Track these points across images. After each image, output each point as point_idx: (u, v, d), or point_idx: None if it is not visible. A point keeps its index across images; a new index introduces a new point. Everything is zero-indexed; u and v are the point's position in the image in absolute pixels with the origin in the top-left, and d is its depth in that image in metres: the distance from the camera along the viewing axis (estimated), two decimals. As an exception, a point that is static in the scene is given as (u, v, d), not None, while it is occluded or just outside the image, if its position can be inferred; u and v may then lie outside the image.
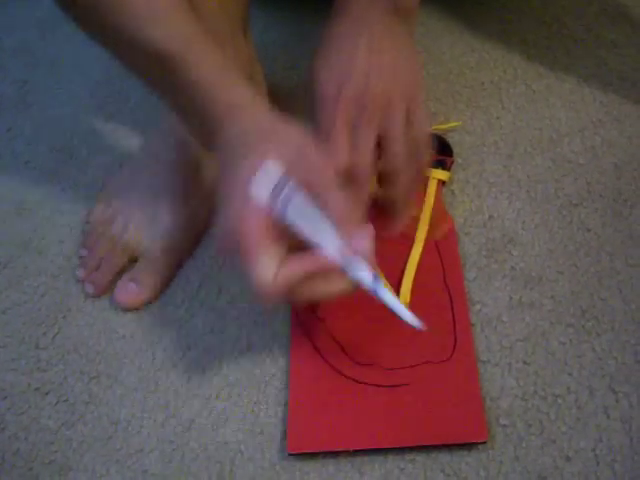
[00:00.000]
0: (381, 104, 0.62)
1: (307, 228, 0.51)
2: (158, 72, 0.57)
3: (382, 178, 0.63)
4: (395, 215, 0.63)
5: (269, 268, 0.50)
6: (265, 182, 0.51)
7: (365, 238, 0.52)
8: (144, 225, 0.69)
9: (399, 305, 0.53)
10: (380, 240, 0.63)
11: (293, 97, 0.76)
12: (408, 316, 0.53)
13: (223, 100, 0.55)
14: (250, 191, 0.51)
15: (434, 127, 0.76)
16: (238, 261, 0.50)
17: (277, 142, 0.54)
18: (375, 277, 0.52)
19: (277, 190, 0.51)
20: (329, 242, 0.51)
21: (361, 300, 0.62)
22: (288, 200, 0.51)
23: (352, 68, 0.63)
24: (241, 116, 0.55)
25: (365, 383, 0.57)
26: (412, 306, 0.61)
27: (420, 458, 0.54)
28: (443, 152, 0.73)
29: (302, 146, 0.54)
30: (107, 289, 0.68)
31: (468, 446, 0.54)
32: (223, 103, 0.55)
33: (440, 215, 0.68)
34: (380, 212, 0.63)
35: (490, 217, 0.69)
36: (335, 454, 0.55)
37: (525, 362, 0.58)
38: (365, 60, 0.63)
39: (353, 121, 0.61)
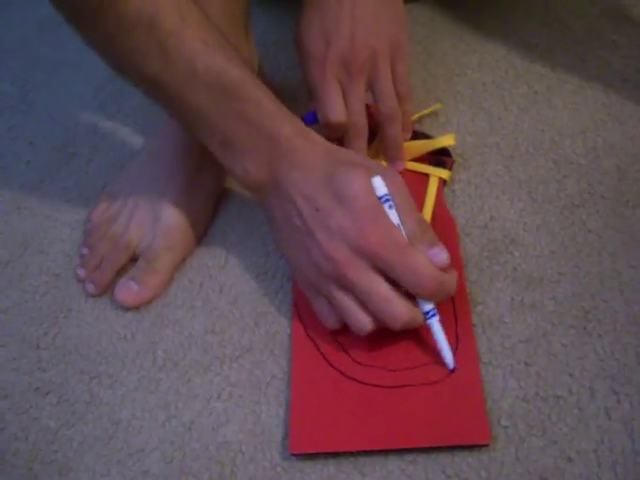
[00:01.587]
0: (367, 58, 0.67)
1: None
2: (216, 99, 0.57)
3: (381, 120, 0.70)
4: (397, 154, 0.72)
5: (429, 260, 0.56)
6: (381, 188, 0.56)
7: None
8: (145, 224, 0.69)
9: (445, 343, 0.57)
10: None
11: (295, 97, 0.76)
12: (448, 356, 0.57)
13: (292, 121, 0.59)
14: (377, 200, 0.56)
15: (417, 115, 0.77)
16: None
17: (364, 161, 0.59)
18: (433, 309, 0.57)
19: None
20: None
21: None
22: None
23: (337, 24, 0.67)
24: (313, 136, 0.60)
25: (367, 384, 0.57)
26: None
27: (421, 459, 0.54)
28: (442, 153, 0.73)
29: (381, 167, 0.60)
30: (108, 288, 0.68)
31: (469, 447, 0.54)
32: (292, 123, 0.59)
33: (442, 212, 0.68)
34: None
35: (491, 218, 0.69)
36: (336, 455, 0.55)
37: (527, 363, 0.58)
38: (349, 14, 0.67)
39: (342, 79, 0.68)
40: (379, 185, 0.56)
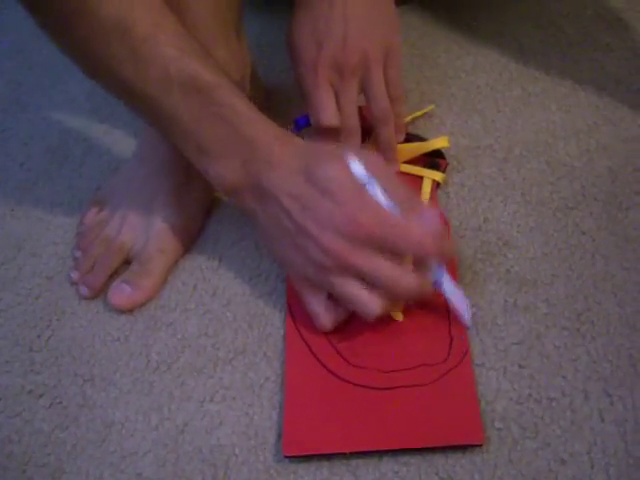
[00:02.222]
0: (359, 60, 0.67)
1: None
2: (191, 103, 0.57)
3: (374, 122, 0.70)
4: (391, 155, 0.71)
5: (423, 225, 0.56)
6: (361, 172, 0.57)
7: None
8: (138, 227, 0.69)
9: (461, 300, 0.60)
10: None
11: (289, 99, 0.76)
12: (465, 313, 0.59)
13: (267, 123, 0.59)
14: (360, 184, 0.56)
15: (410, 116, 0.78)
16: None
17: (346, 148, 0.59)
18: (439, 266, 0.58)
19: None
20: None
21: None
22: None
23: (328, 27, 0.67)
24: (289, 137, 0.60)
25: (360, 385, 0.57)
26: (407, 309, 0.61)
27: (415, 461, 0.54)
28: (435, 155, 0.73)
29: (358, 150, 0.59)
30: (101, 291, 0.68)
31: (463, 449, 0.54)
32: (267, 125, 0.59)
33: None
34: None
35: (485, 220, 0.69)
36: (329, 457, 0.55)
37: (520, 365, 0.58)
38: (340, 16, 0.67)
39: (334, 81, 0.68)
40: (357, 168, 0.56)
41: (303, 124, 0.71)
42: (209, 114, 0.57)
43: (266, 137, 0.58)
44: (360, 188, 0.56)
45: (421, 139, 0.75)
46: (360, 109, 0.70)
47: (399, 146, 0.73)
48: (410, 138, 0.75)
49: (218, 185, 0.61)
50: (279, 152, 0.58)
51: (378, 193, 0.56)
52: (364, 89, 0.69)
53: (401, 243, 0.55)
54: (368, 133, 0.72)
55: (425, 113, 0.79)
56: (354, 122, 0.69)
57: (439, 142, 0.73)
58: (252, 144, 0.58)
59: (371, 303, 0.56)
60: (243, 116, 0.58)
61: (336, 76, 0.67)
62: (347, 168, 0.56)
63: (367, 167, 0.57)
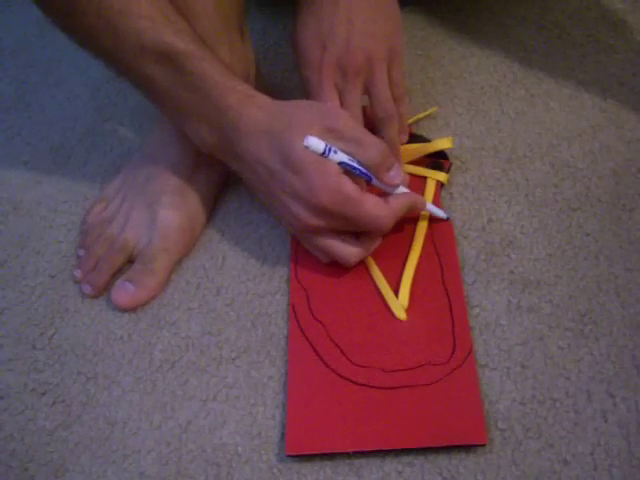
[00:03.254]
0: (364, 62, 0.68)
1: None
2: (165, 71, 0.60)
3: (378, 123, 0.70)
4: (397, 152, 0.71)
5: (379, 201, 0.60)
6: (317, 145, 0.58)
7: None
8: (141, 226, 0.69)
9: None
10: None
11: (293, 98, 0.76)
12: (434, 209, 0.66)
13: (237, 89, 0.60)
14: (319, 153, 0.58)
15: (413, 118, 0.77)
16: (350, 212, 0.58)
17: (310, 110, 0.60)
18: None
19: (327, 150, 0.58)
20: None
21: (360, 302, 0.62)
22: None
23: (333, 28, 0.68)
24: (257, 101, 0.60)
25: (364, 385, 0.57)
26: (411, 308, 0.61)
27: (418, 461, 0.54)
28: (439, 156, 0.73)
29: (329, 109, 0.61)
30: (104, 290, 0.68)
31: (466, 449, 0.54)
32: (238, 91, 0.60)
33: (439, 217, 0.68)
34: None
35: (489, 221, 0.69)
36: (333, 456, 0.55)
37: (523, 366, 0.58)
38: (345, 17, 0.67)
39: (338, 83, 0.68)
40: (314, 143, 0.57)
41: None
42: (182, 82, 0.60)
43: (234, 103, 0.60)
44: (321, 162, 0.57)
45: (425, 140, 0.75)
46: (364, 109, 0.70)
47: (403, 147, 0.73)
48: (414, 139, 0.75)
49: (199, 145, 0.64)
50: (247, 118, 0.59)
51: (343, 156, 0.58)
52: (368, 90, 0.69)
53: (358, 224, 0.60)
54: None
55: (429, 114, 0.79)
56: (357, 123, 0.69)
57: (443, 143, 0.73)
58: (221, 111, 0.60)
59: (345, 253, 0.62)
60: (212, 83, 0.60)
61: (340, 77, 0.68)
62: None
63: (332, 126, 0.58)
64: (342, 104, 0.68)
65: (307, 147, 0.57)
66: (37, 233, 0.74)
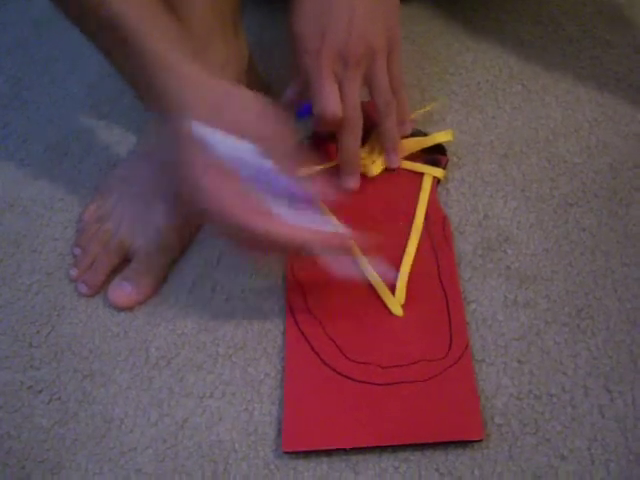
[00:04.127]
0: (363, 52, 0.66)
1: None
2: (110, 39, 0.58)
3: (377, 115, 0.69)
4: (395, 146, 0.70)
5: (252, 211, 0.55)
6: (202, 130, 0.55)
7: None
8: (137, 225, 0.68)
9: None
10: (375, 237, 0.64)
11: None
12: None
13: (174, 72, 0.57)
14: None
15: (414, 113, 0.76)
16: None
17: (233, 107, 0.57)
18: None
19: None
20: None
21: (356, 298, 0.62)
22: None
23: (333, 16, 0.65)
24: (189, 84, 0.57)
25: (360, 381, 0.57)
26: (407, 304, 0.61)
27: (414, 457, 0.54)
28: (437, 152, 0.73)
29: (261, 112, 0.58)
30: (100, 289, 0.67)
31: (463, 445, 0.54)
32: (174, 75, 0.57)
33: (436, 211, 0.68)
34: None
35: (485, 216, 0.69)
36: (329, 453, 0.55)
37: (520, 361, 0.58)
38: (346, 4, 0.65)
39: (338, 72, 0.66)
40: (200, 128, 0.55)
41: (305, 113, 0.70)
42: (130, 59, 0.58)
43: (176, 84, 0.57)
44: (198, 146, 0.55)
45: (423, 134, 0.75)
46: (362, 104, 0.69)
47: (403, 140, 0.72)
48: (414, 134, 0.75)
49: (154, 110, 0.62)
50: (188, 97, 0.57)
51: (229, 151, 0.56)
52: (368, 80, 0.68)
53: (205, 215, 0.57)
54: (370, 128, 0.72)
55: (429, 109, 0.79)
56: (357, 114, 0.67)
57: (443, 136, 0.73)
58: (163, 91, 0.57)
59: None
60: (156, 63, 0.57)
61: (340, 66, 0.66)
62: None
63: (257, 133, 0.56)
64: (341, 94, 0.67)
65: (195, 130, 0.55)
66: (33, 231, 0.74)
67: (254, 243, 0.57)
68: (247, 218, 0.54)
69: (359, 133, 0.69)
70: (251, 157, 0.56)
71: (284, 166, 0.57)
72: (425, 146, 0.73)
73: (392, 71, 0.69)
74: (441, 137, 0.73)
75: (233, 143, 0.56)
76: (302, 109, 0.71)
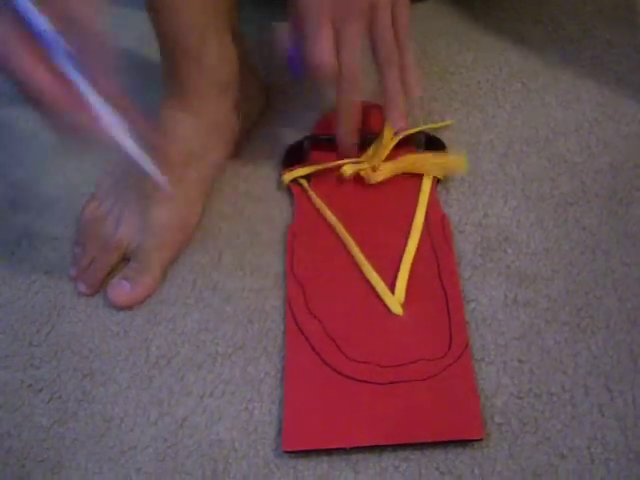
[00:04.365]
0: (368, 4, 0.61)
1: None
2: None
3: (379, 67, 0.65)
4: (397, 105, 0.66)
5: None
6: None
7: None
8: (135, 224, 0.68)
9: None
10: (374, 236, 0.64)
11: (288, 96, 0.75)
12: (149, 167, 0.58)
13: None
14: None
15: (427, 127, 0.76)
16: None
17: None
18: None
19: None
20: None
21: (356, 297, 0.62)
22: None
23: None
24: None
25: (360, 380, 0.57)
26: (407, 303, 0.61)
27: (415, 456, 0.54)
28: (436, 149, 0.73)
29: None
30: (99, 288, 0.67)
31: (463, 444, 0.54)
32: None
33: (435, 210, 0.68)
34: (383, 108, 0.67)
35: (485, 215, 0.69)
36: (329, 452, 0.55)
37: (520, 360, 0.58)
38: None
39: (339, 22, 0.61)
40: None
41: (297, 67, 0.65)
42: None
43: None
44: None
45: (439, 141, 0.74)
46: (363, 105, 0.68)
47: (414, 156, 0.71)
48: (428, 139, 0.74)
49: None
50: None
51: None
52: (370, 33, 0.63)
53: None
54: (370, 134, 0.71)
55: (426, 110, 0.78)
56: (356, 64, 0.63)
57: (455, 161, 0.71)
58: None
59: None
60: None
61: (341, 17, 0.61)
62: None
63: None
64: (339, 49, 0.62)
65: None
66: (33, 230, 0.74)
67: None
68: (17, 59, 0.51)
69: (359, 87, 0.65)
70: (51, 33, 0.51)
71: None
72: (434, 163, 0.71)
73: (398, 23, 0.64)
74: (453, 162, 0.71)
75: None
76: (294, 63, 0.66)
